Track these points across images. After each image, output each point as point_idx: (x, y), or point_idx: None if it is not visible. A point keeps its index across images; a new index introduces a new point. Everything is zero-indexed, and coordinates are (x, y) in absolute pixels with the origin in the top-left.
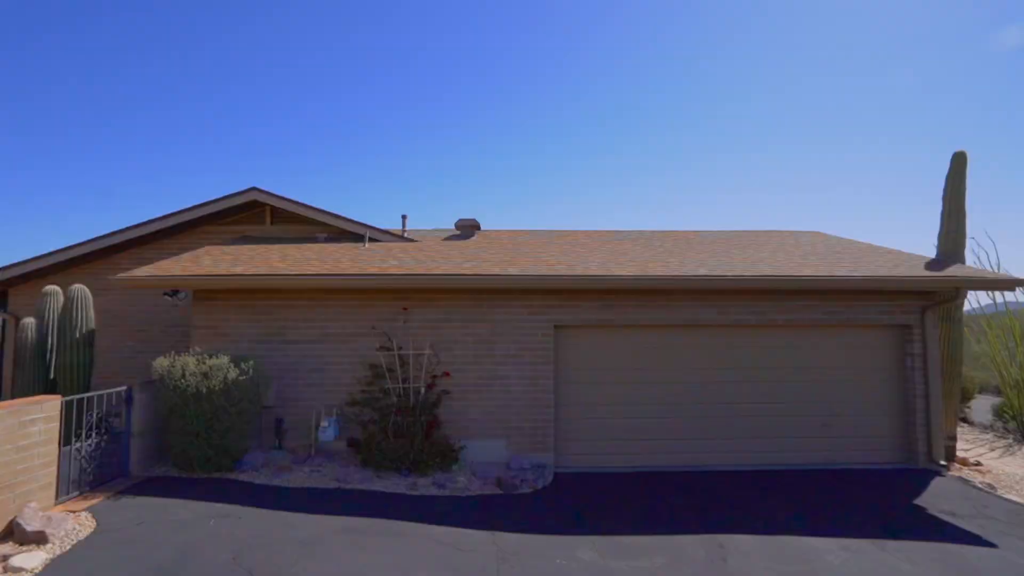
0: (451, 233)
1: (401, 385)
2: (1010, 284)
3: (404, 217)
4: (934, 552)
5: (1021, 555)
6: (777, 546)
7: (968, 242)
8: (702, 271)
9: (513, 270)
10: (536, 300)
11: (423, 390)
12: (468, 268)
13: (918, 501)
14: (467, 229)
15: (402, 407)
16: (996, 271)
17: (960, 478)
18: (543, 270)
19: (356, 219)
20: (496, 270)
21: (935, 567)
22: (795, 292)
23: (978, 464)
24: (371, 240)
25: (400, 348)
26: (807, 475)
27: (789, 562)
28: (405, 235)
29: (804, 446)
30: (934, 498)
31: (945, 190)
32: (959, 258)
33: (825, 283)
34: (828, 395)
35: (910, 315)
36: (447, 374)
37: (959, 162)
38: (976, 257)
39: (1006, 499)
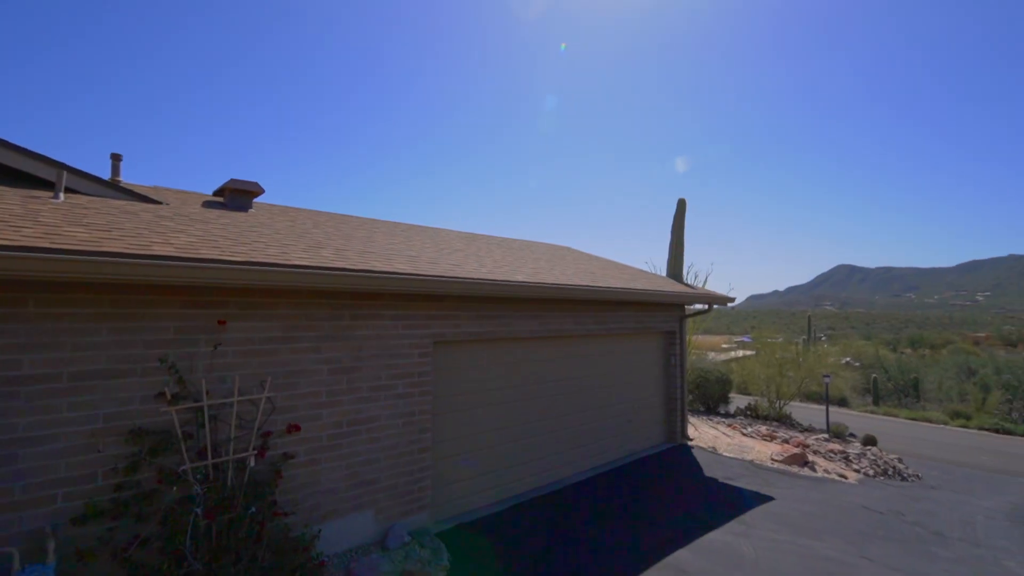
0: (209, 199)
1: (211, 461)
2: (726, 300)
3: (116, 157)
4: (766, 517)
5: (797, 501)
6: (704, 548)
7: (685, 266)
8: (577, 280)
9: (403, 266)
10: (414, 309)
11: (252, 461)
12: (327, 259)
13: (708, 473)
14: (239, 195)
15: (212, 500)
16: (707, 289)
17: (700, 447)
18: (424, 268)
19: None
20: (380, 265)
21: (785, 529)
22: (628, 304)
23: (693, 436)
24: (69, 191)
25: (209, 392)
26: (633, 468)
27: (722, 559)
28: (128, 187)
29: (620, 442)
30: (709, 468)
31: (672, 227)
32: (680, 278)
33: (646, 296)
34: (630, 393)
35: (674, 323)
36: (295, 427)
37: (681, 207)
38: (689, 278)
39: (727, 456)
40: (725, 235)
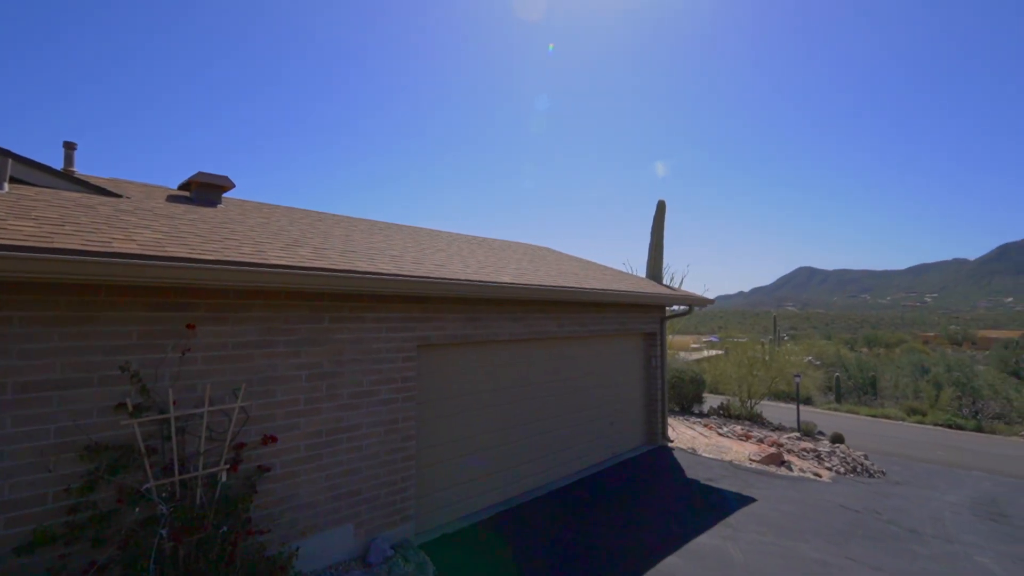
0: (174, 194)
1: (178, 477)
2: (706, 302)
3: (70, 146)
4: (750, 518)
5: (778, 502)
6: (694, 553)
7: (664, 268)
8: (562, 282)
9: (387, 267)
10: (398, 311)
11: (224, 476)
12: (306, 258)
13: (690, 475)
14: (206, 190)
15: (179, 520)
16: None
17: (680, 448)
18: (409, 268)
19: None
20: (363, 265)
21: (768, 529)
22: (611, 305)
23: (672, 438)
24: (16, 181)
25: (176, 403)
26: (617, 471)
27: (712, 564)
28: (83, 178)
29: (603, 445)
30: (691, 469)
31: (652, 228)
32: (659, 279)
33: (631, 297)
34: (613, 395)
35: (655, 325)
36: (271, 438)
37: (660, 209)
38: (668, 279)
39: (707, 457)
40: (694, 237)
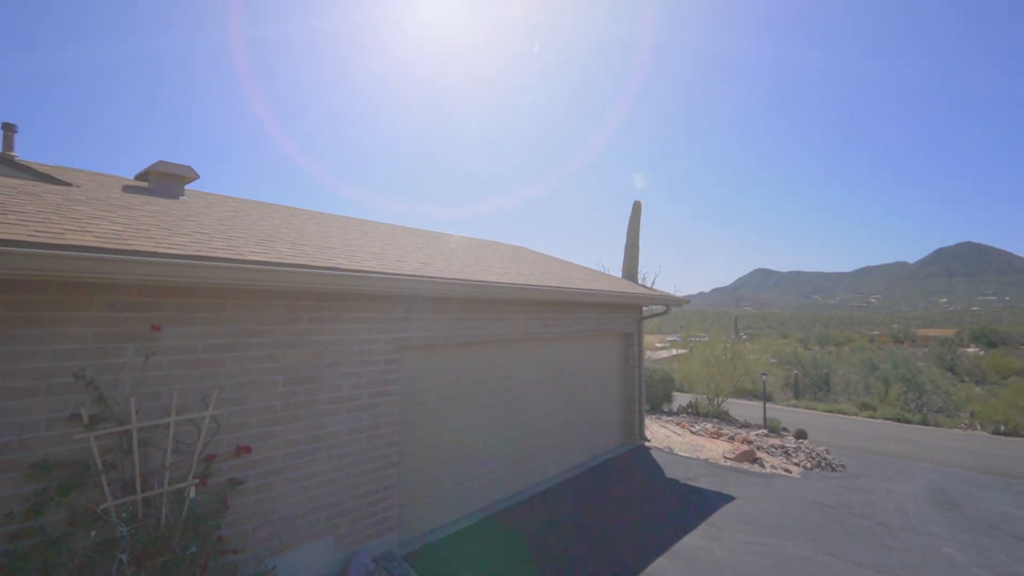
0: (131, 184)
1: (140, 495)
2: (682, 302)
3: (9, 128)
4: (732, 517)
5: (756, 499)
6: (681, 555)
7: (640, 268)
8: (546, 281)
9: (370, 264)
10: (380, 311)
11: (192, 491)
12: (284, 254)
13: (670, 475)
14: (167, 180)
15: (142, 542)
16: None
17: (657, 447)
18: (392, 266)
19: None
20: (345, 263)
21: (749, 526)
22: (592, 305)
23: (649, 437)
24: None
25: (138, 412)
26: (598, 473)
27: (701, 566)
28: (25, 164)
29: (584, 446)
30: (670, 469)
31: (628, 229)
32: (635, 279)
33: (614, 298)
34: (593, 396)
35: (632, 325)
36: (245, 448)
37: (636, 209)
38: (643, 279)
39: (684, 456)
40: (657, 238)
